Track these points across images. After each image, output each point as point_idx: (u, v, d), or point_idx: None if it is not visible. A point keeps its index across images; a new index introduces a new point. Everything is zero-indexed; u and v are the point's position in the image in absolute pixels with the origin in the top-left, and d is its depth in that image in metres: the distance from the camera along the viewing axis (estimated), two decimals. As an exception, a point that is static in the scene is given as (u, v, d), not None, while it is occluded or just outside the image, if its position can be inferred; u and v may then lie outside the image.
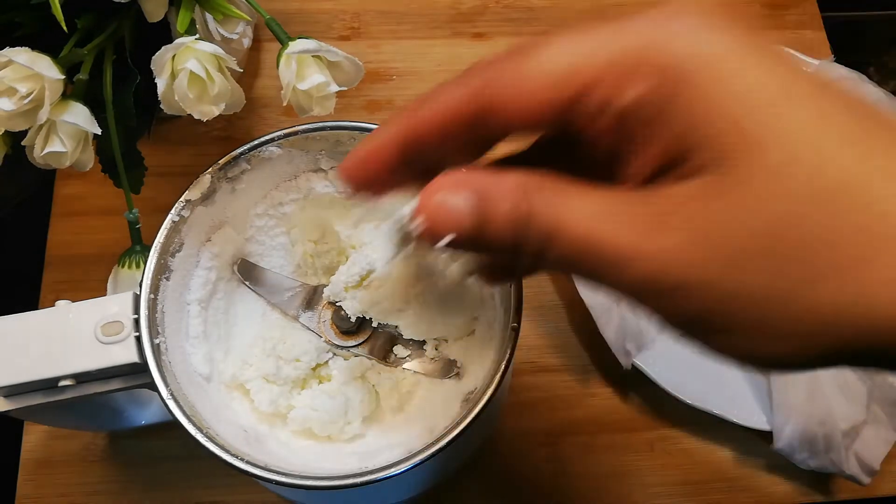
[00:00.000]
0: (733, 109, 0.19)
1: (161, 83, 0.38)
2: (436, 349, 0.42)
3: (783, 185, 0.18)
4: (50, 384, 0.35)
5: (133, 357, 0.35)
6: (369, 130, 0.40)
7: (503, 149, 0.23)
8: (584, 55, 0.20)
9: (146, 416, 0.46)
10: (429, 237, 0.21)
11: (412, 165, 0.23)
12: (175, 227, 0.38)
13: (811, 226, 0.18)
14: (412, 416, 0.40)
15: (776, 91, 0.19)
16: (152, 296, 0.36)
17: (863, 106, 0.19)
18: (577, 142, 0.21)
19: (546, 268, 0.22)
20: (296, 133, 0.40)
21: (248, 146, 0.40)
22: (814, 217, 0.18)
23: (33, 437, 0.48)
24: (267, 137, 0.40)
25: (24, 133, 0.38)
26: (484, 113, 0.21)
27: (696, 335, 0.20)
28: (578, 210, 0.20)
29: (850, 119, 0.19)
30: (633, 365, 0.49)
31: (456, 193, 0.21)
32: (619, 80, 0.20)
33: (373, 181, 0.24)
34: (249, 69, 0.59)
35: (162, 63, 0.37)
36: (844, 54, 0.62)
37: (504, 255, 0.22)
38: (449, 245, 0.21)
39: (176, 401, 0.34)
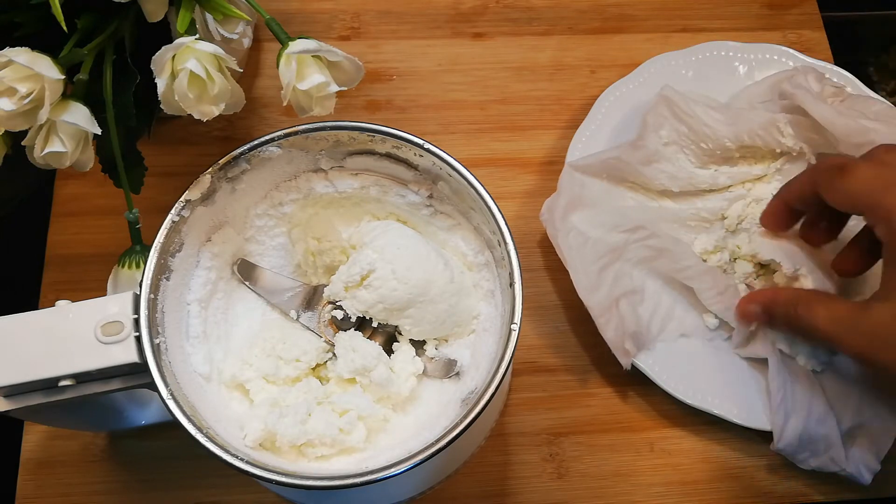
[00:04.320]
0: None
1: (161, 83, 0.38)
2: (436, 349, 0.42)
3: None
4: (50, 384, 0.35)
5: (133, 357, 0.35)
6: (369, 130, 0.40)
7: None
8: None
9: (146, 416, 0.46)
10: (742, 324, 0.48)
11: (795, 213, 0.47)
12: (175, 227, 0.38)
13: None
14: (412, 416, 0.40)
15: None
16: (152, 296, 0.36)
17: None
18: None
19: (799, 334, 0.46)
20: (296, 133, 0.40)
21: (248, 146, 0.40)
22: None
23: (33, 437, 0.49)
24: (267, 137, 0.40)
25: (24, 133, 0.38)
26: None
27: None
28: (822, 316, 0.41)
29: None
30: (633, 365, 0.49)
31: (754, 304, 0.46)
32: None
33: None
34: (249, 69, 0.59)
35: (162, 63, 0.37)
36: (844, 54, 0.62)
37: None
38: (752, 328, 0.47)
39: (176, 401, 0.34)
